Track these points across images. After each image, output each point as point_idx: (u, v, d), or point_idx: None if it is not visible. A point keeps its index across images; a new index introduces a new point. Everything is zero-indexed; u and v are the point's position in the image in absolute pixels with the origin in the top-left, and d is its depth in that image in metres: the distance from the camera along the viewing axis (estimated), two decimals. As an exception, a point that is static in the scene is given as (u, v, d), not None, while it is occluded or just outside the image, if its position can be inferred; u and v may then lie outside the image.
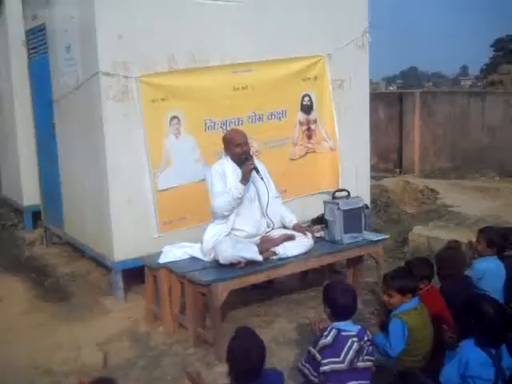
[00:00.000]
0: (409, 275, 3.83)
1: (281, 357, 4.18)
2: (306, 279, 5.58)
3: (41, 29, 6.40)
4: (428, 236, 6.55)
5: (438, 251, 4.69)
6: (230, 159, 4.72)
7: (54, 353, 4.45)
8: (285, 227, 4.93)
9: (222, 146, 4.85)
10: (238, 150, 4.65)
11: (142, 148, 5.28)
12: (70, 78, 5.78)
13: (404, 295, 3.68)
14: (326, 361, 3.20)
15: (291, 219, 4.94)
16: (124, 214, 5.27)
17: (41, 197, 7.34)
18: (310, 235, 4.84)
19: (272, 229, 4.82)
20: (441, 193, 9.44)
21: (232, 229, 4.64)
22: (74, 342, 4.60)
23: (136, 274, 5.21)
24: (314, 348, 3.28)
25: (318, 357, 3.23)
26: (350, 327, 3.33)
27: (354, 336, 3.27)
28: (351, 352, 3.21)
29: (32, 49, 6.89)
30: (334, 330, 3.30)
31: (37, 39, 6.63)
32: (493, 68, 27.93)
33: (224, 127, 5.63)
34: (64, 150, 6.36)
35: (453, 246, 4.66)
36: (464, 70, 76.38)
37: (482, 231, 4.63)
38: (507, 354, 3.15)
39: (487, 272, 4.35)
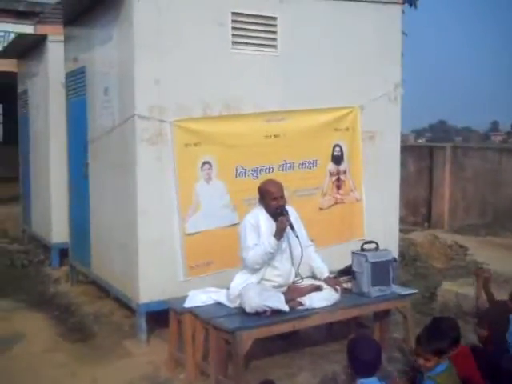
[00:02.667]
0: (443, 336, 3.69)
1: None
2: (331, 332, 5.47)
3: (81, 71, 6.58)
4: (457, 292, 6.42)
5: (486, 311, 4.46)
6: (264, 210, 4.69)
7: (73, 394, 4.42)
8: (315, 278, 4.88)
9: (252, 193, 4.87)
10: (274, 203, 4.61)
11: (172, 191, 5.33)
12: (106, 119, 5.91)
13: (440, 357, 3.55)
14: (350, 418, 3.12)
15: (322, 271, 4.87)
16: (151, 257, 5.28)
17: (69, 235, 7.41)
18: (339, 290, 4.78)
19: (301, 279, 4.77)
20: (470, 249, 9.28)
21: (262, 279, 4.60)
22: (95, 384, 4.56)
23: (159, 317, 5.17)
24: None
25: (343, 414, 3.16)
26: (375, 384, 3.25)
27: (380, 394, 3.19)
28: (376, 410, 3.13)
29: (71, 90, 7.08)
30: (359, 387, 3.22)
31: (76, 81, 6.81)
32: (524, 125, 27.76)
33: (255, 174, 5.66)
34: (95, 190, 6.45)
35: (503, 306, 4.43)
36: (494, 125, 76.14)
37: None
38: None
39: None
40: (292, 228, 4.60)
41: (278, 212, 4.59)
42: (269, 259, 4.55)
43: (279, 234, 4.52)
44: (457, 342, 3.89)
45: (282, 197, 4.68)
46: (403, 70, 6.96)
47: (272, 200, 4.62)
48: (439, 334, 3.71)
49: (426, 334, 3.67)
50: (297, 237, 4.63)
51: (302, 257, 4.67)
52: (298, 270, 4.74)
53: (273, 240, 4.49)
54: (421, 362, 3.56)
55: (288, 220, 4.56)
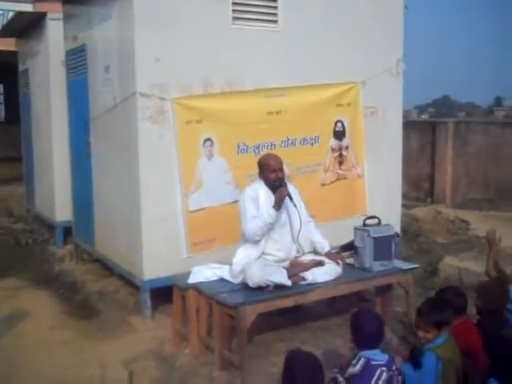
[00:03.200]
0: (444, 308, 3.69)
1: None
2: (333, 306, 5.52)
3: (81, 49, 6.55)
4: (459, 267, 6.46)
5: (484, 282, 4.52)
6: (263, 183, 4.73)
7: (79, 370, 4.46)
8: (316, 253, 4.91)
9: (254, 168, 4.88)
10: (273, 175, 4.65)
11: (175, 169, 5.34)
12: (107, 97, 5.90)
13: (440, 329, 3.56)
14: (354, 391, 3.16)
15: (323, 246, 4.91)
16: (155, 234, 5.32)
17: (73, 213, 7.45)
18: (341, 264, 4.81)
19: (303, 254, 4.82)
20: (472, 224, 9.31)
21: (262, 253, 4.63)
22: (100, 360, 4.61)
23: (163, 293, 5.22)
24: (342, 375, 3.23)
25: (346, 386, 3.19)
26: (378, 356, 3.27)
27: (383, 366, 3.21)
28: (380, 383, 3.16)
29: (71, 69, 7.05)
30: (362, 359, 3.24)
31: (77, 59, 6.78)
32: (527, 99, 27.60)
33: (257, 151, 5.67)
34: (98, 168, 6.46)
35: (502, 280, 4.46)
36: (498, 100, 75.61)
37: None
38: None
39: None
40: (290, 198, 4.64)
41: (276, 184, 4.63)
42: (268, 230, 4.59)
43: (278, 205, 4.57)
44: (460, 311, 3.89)
45: (281, 169, 4.71)
46: (405, 45, 6.91)
47: (271, 172, 4.66)
48: (440, 305, 3.69)
49: (427, 306, 3.67)
50: (295, 205, 4.67)
51: (300, 227, 4.71)
52: (297, 239, 4.77)
53: (272, 211, 4.53)
54: (421, 333, 3.57)
55: (286, 190, 4.60)
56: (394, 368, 3.24)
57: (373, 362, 3.21)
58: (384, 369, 3.19)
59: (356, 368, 3.20)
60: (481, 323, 4.02)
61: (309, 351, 3.20)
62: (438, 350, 3.48)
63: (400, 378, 3.28)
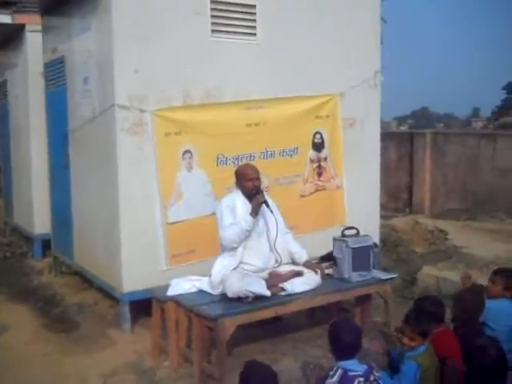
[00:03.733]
0: (431, 317, 3.73)
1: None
2: (313, 317, 5.54)
3: (60, 61, 6.54)
4: (437, 276, 6.52)
5: (460, 292, 4.56)
6: (240, 193, 4.77)
7: (58, 384, 4.44)
8: (294, 263, 4.93)
9: (233, 180, 4.91)
10: (250, 184, 4.70)
11: (154, 181, 5.34)
12: (86, 109, 5.89)
13: (425, 338, 3.59)
14: (331, 402, 3.17)
15: (301, 256, 4.95)
16: (134, 246, 5.30)
17: (51, 226, 7.39)
18: (319, 273, 4.84)
19: (280, 264, 4.83)
20: (450, 234, 9.42)
21: (240, 262, 4.65)
22: (79, 374, 4.59)
23: (143, 306, 5.20)
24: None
25: (324, 397, 3.21)
26: (356, 366, 3.30)
27: (360, 376, 3.23)
28: (357, 393, 3.18)
29: (50, 80, 7.03)
30: (340, 370, 3.27)
31: (55, 71, 6.77)
32: (504, 110, 28.00)
33: (236, 162, 5.68)
34: (77, 180, 6.43)
35: (478, 290, 4.51)
36: (475, 111, 76.53)
37: (499, 273, 4.52)
38: None
39: (503, 314, 4.25)
40: (267, 205, 4.69)
41: (253, 192, 4.68)
42: (245, 237, 4.62)
43: (255, 211, 4.61)
44: (439, 320, 3.92)
45: (258, 178, 4.77)
46: (385, 57, 7.02)
47: (248, 181, 4.71)
48: (428, 315, 3.73)
49: (415, 315, 3.69)
50: (271, 211, 4.72)
51: (277, 233, 4.75)
52: (274, 246, 4.79)
53: (249, 218, 4.58)
54: (405, 340, 3.60)
55: (263, 197, 4.66)
56: (372, 378, 3.26)
57: (350, 373, 3.23)
58: (361, 379, 3.21)
59: (333, 379, 3.22)
60: (456, 332, 4.07)
61: (265, 363, 3.23)
62: (418, 358, 3.52)
63: (378, 388, 3.30)
